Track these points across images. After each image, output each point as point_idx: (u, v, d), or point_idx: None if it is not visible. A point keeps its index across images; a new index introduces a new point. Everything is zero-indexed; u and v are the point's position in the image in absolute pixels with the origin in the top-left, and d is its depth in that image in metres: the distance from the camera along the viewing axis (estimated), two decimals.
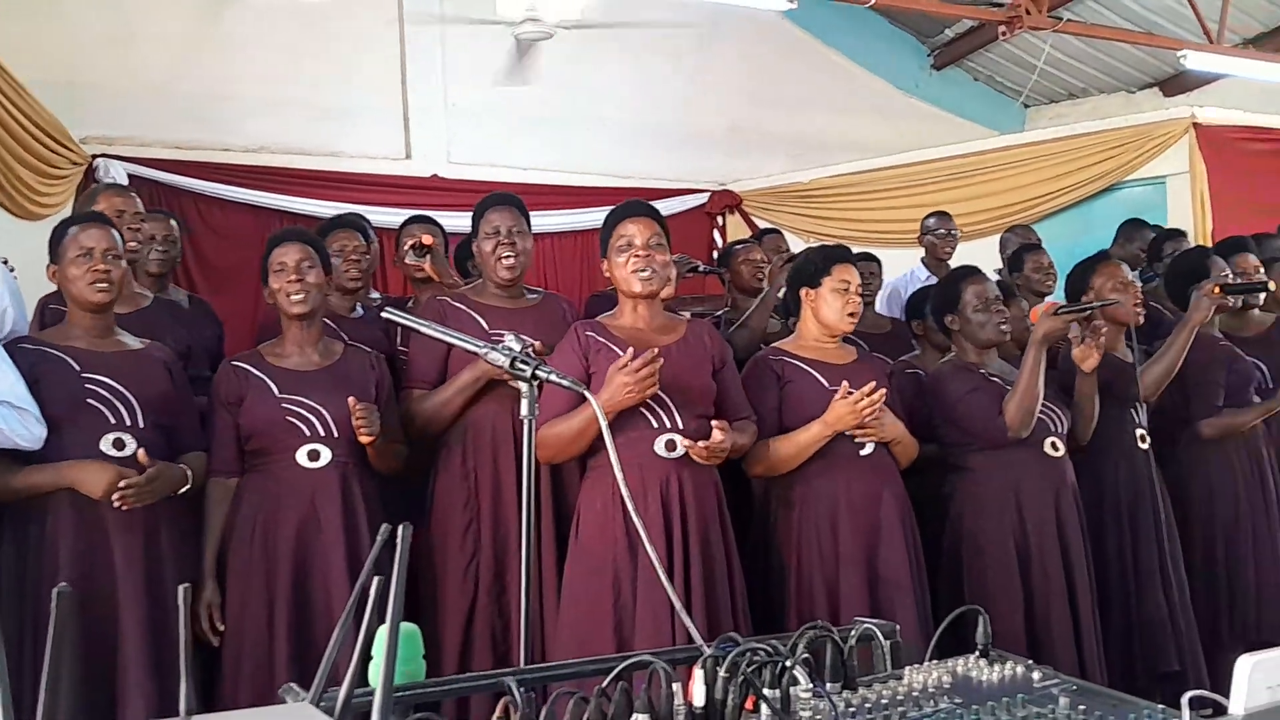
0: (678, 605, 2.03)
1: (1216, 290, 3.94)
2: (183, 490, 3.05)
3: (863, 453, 3.33)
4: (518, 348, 2.01)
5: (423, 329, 2.14)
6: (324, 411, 3.16)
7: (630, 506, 2.08)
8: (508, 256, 3.41)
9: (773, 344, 3.58)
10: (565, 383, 2.05)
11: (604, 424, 2.07)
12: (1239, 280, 4.16)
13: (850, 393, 3.18)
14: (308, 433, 3.15)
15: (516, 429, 3.30)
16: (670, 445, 3.04)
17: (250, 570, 3.10)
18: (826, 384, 3.33)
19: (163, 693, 2.84)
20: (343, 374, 3.26)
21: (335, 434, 3.15)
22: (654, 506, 2.99)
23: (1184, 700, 1.48)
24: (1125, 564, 3.83)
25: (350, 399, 3.07)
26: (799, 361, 3.40)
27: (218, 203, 6.60)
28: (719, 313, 4.72)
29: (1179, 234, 5.38)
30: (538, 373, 2.01)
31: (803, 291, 3.45)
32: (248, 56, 6.84)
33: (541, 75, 7.67)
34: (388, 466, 3.29)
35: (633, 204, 3.20)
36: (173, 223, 4.19)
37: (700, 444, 2.99)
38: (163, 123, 6.52)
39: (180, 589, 1.13)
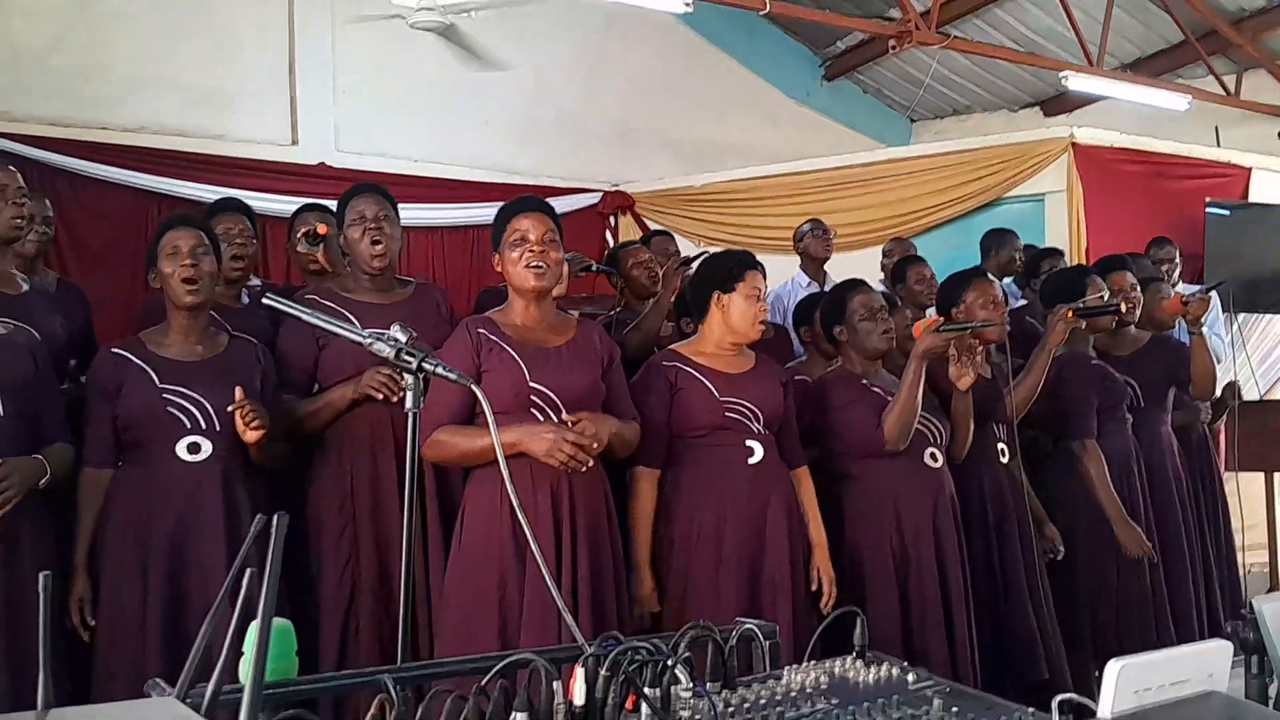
0: (560, 604, 2.02)
1: (1069, 314, 4.07)
2: (42, 482, 2.90)
3: (751, 461, 3.35)
4: (404, 338, 1.97)
5: (305, 318, 2.08)
6: (206, 403, 3.06)
7: (518, 508, 2.06)
8: (377, 243, 3.36)
9: (669, 347, 3.57)
10: (453, 376, 2.02)
11: (500, 454, 2.06)
12: (1097, 303, 4.25)
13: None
14: (188, 424, 3.05)
15: (396, 427, 3.25)
16: None
17: (124, 564, 3.01)
18: (717, 394, 3.35)
19: (22, 687, 2.73)
20: (227, 366, 3.16)
21: (217, 427, 3.06)
22: (543, 507, 2.95)
23: (1054, 704, 1.52)
24: (994, 574, 3.93)
25: (237, 390, 2.98)
26: (693, 369, 3.39)
27: (94, 183, 6.35)
28: (610, 313, 4.71)
29: (1056, 252, 5.55)
30: (424, 365, 1.97)
31: (714, 295, 3.44)
32: (129, 32, 6.62)
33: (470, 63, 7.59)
34: (270, 463, 3.21)
35: (527, 199, 3.17)
36: (47, 202, 4.03)
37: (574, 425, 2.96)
38: (36, 98, 6.28)
39: (40, 576, 1.08)
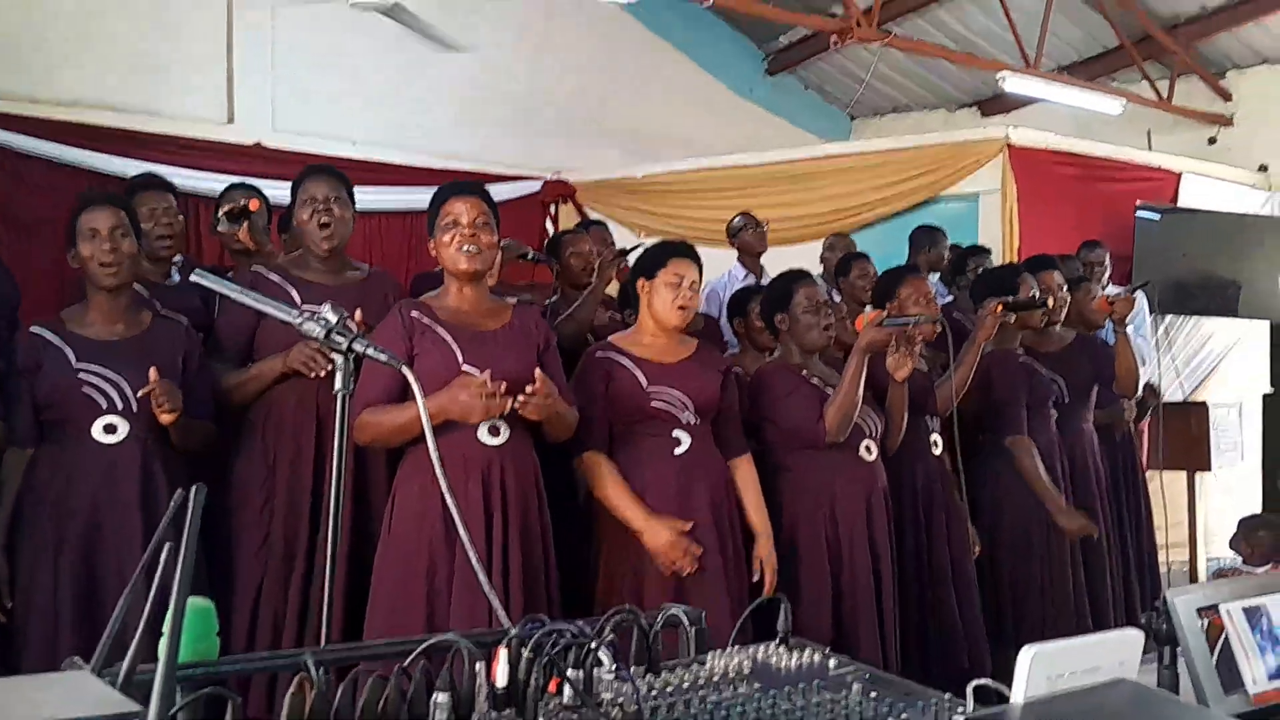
0: (487, 588, 2.01)
1: (998, 309, 4.13)
2: None
3: (677, 451, 3.37)
4: (334, 319, 1.96)
5: (233, 295, 2.06)
6: (122, 383, 3.02)
7: (448, 495, 2.05)
8: (326, 225, 3.33)
9: (607, 339, 3.59)
10: (383, 358, 2.00)
11: (428, 426, 2.04)
12: (1024, 300, 4.33)
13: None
14: (104, 405, 3.01)
15: (321, 408, 3.23)
16: (493, 431, 3.01)
17: (39, 545, 2.98)
18: (645, 383, 3.37)
19: None
20: (148, 345, 3.11)
21: (134, 408, 3.02)
22: (474, 493, 2.96)
23: (969, 689, 1.55)
24: (921, 565, 3.99)
25: (152, 372, 2.93)
26: (625, 359, 3.41)
27: (22, 157, 6.20)
28: (547, 302, 4.70)
29: (982, 250, 5.63)
30: (354, 346, 1.96)
31: (639, 283, 3.48)
32: (61, 2, 6.47)
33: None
34: (190, 445, 3.16)
35: (460, 183, 3.17)
36: None
37: (525, 398, 2.93)
38: None
39: None
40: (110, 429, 3.01)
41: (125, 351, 3.07)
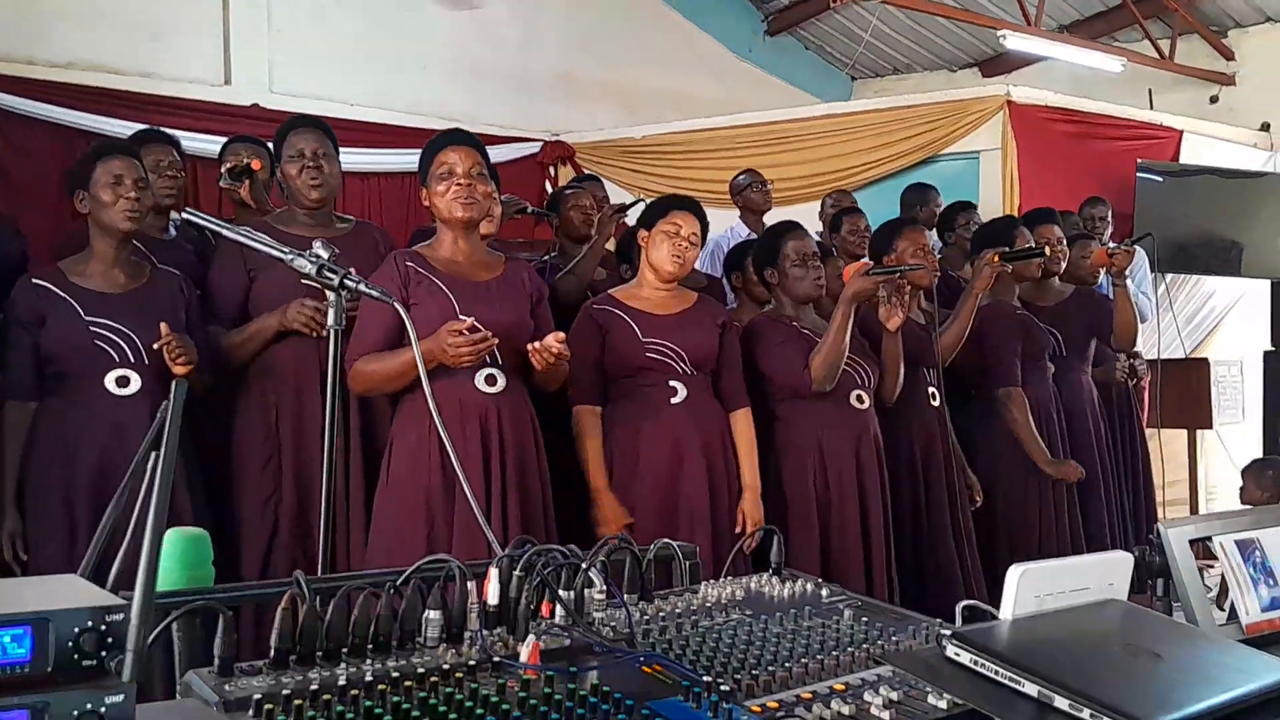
0: (487, 530, 2.02)
1: (995, 259, 4.12)
2: None
3: (674, 400, 3.39)
4: (325, 255, 1.96)
5: (225, 232, 2.06)
6: (134, 336, 3.03)
7: (448, 442, 2.06)
8: (314, 179, 3.33)
9: (606, 292, 3.61)
10: (375, 292, 2.01)
11: (422, 369, 2.04)
12: (1021, 249, 4.32)
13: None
14: (116, 358, 3.02)
15: (322, 360, 3.22)
16: (490, 380, 3.03)
17: (50, 498, 2.98)
18: (640, 335, 3.40)
19: None
20: (151, 297, 3.12)
21: (145, 360, 3.03)
22: (472, 441, 2.97)
23: (958, 608, 1.56)
24: (919, 514, 4.00)
25: (163, 326, 2.94)
26: (621, 311, 3.44)
27: (18, 118, 6.16)
28: (545, 257, 4.70)
29: (970, 206, 5.61)
30: (346, 281, 1.96)
31: (640, 234, 3.52)
32: None
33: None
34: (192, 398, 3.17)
35: (454, 132, 3.16)
36: None
37: (540, 345, 2.93)
38: None
39: None
40: (123, 381, 3.02)
41: (131, 304, 3.08)
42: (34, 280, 3.07)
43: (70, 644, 0.87)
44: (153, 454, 1.03)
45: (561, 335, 2.95)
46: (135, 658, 0.87)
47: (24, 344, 3.04)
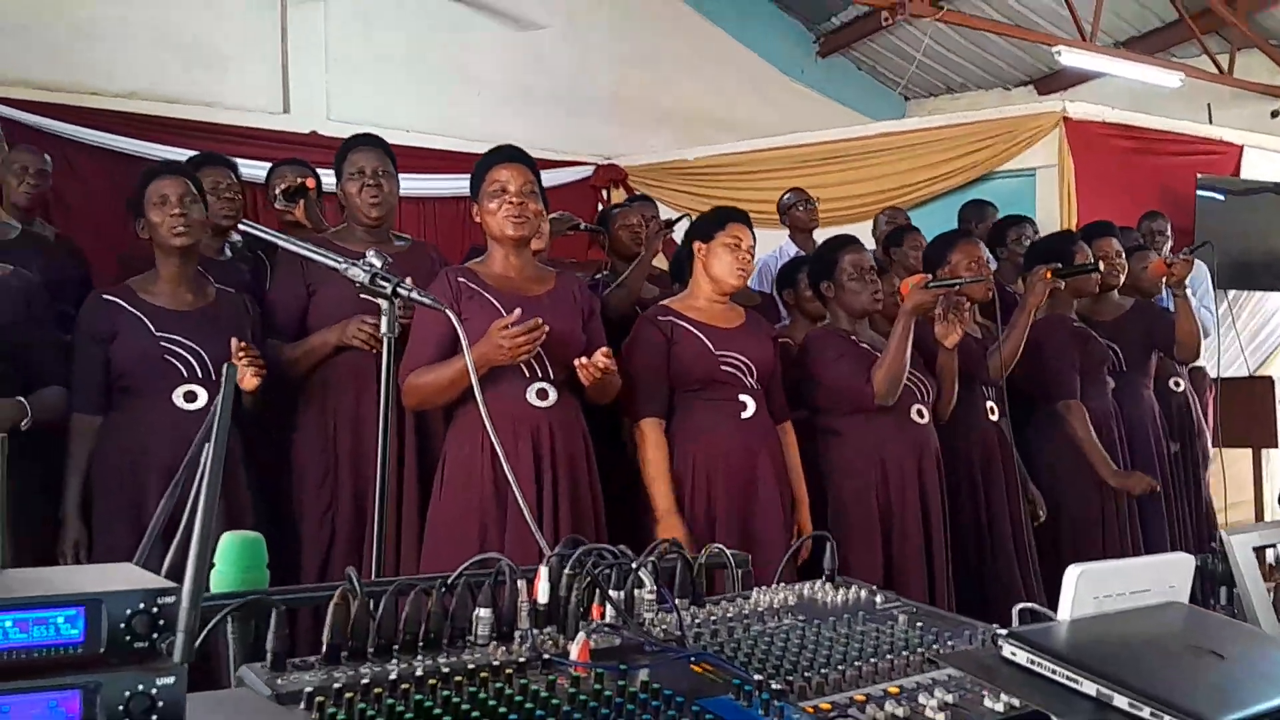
0: (541, 542, 2.01)
1: (1049, 274, 4.07)
2: (23, 424, 2.91)
3: (744, 415, 3.36)
4: (379, 264, 1.98)
5: (280, 242, 2.09)
6: (202, 352, 3.08)
7: (501, 454, 2.07)
8: (374, 199, 3.36)
9: (661, 303, 3.58)
10: (427, 300, 2.02)
11: (474, 375, 2.05)
12: (1075, 265, 4.27)
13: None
14: (185, 374, 3.07)
15: (379, 373, 3.25)
16: (542, 394, 3.03)
17: (117, 509, 3.01)
18: (713, 347, 3.37)
19: None
20: (218, 315, 3.18)
21: (213, 376, 3.07)
22: (524, 454, 2.97)
23: (1014, 611, 1.53)
24: (980, 529, 3.95)
25: (233, 341, 2.97)
26: (686, 323, 3.41)
27: (84, 148, 6.31)
28: (596, 275, 4.72)
29: (1024, 220, 5.56)
30: (399, 290, 1.98)
31: (695, 245, 3.48)
32: None
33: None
34: (255, 413, 3.22)
35: (505, 148, 3.17)
36: (47, 157, 4.06)
37: (588, 361, 2.93)
38: (26, 62, 6.24)
39: None
40: (190, 396, 3.06)
41: (199, 321, 3.13)
42: (104, 296, 3.13)
43: (122, 626, 0.88)
44: (205, 445, 1.04)
45: (608, 350, 2.95)
46: (186, 639, 0.87)
47: (94, 358, 3.08)
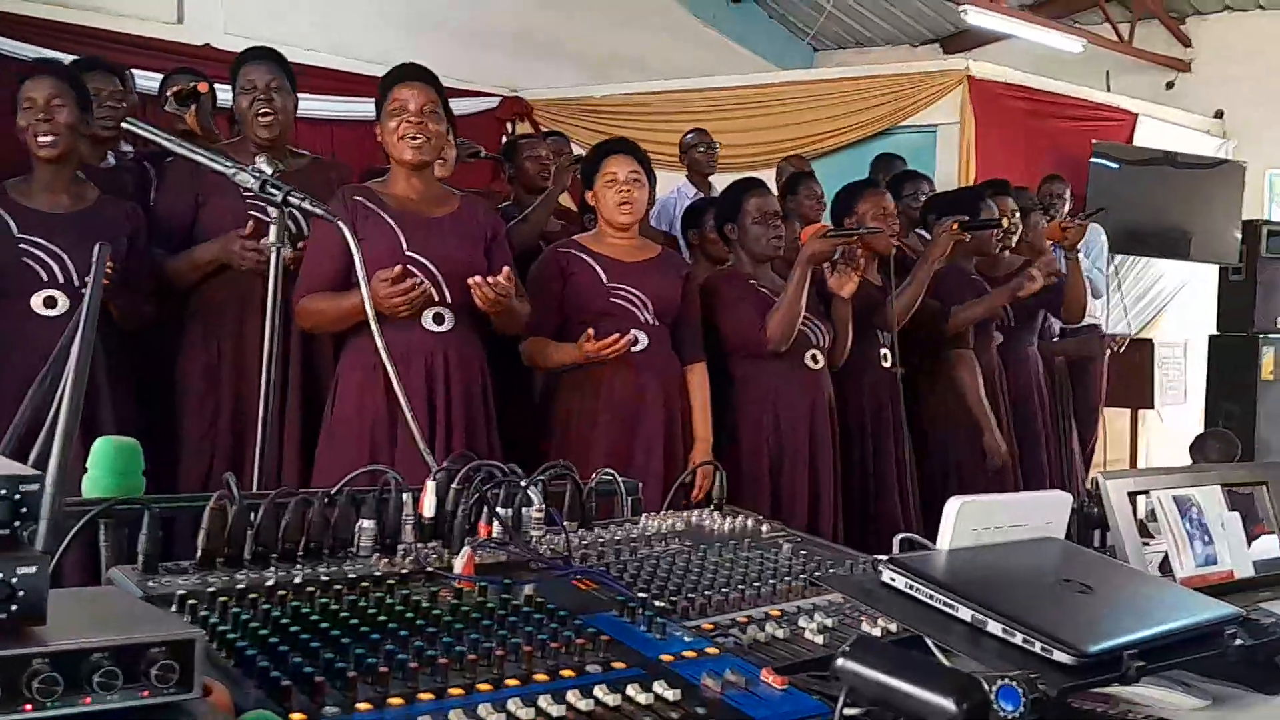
0: (426, 456, 1.97)
1: (954, 227, 4.13)
2: None
3: (634, 349, 3.35)
4: (269, 170, 1.91)
5: (166, 143, 2.00)
6: (65, 257, 2.96)
7: (394, 376, 2.02)
8: (265, 114, 3.27)
9: (570, 237, 3.58)
10: (319, 210, 1.96)
11: (370, 308, 2.01)
12: (981, 219, 4.35)
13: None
14: (45, 278, 2.95)
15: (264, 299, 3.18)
16: (438, 319, 2.98)
17: None
18: (605, 280, 3.36)
19: None
20: (92, 222, 3.05)
21: (75, 283, 2.95)
22: (416, 380, 2.91)
23: (895, 540, 1.56)
24: (866, 472, 4.02)
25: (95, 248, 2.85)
26: (586, 255, 3.40)
27: None
28: (500, 206, 4.65)
29: (918, 176, 5.62)
30: (290, 198, 1.92)
31: (588, 195, 3.50)
32: None
33: None
34: (130, 326, 3.11)
35: (408, 66, 3.08)
36: None
37: (481, 281, 2.88)
38: None
39: None
40: (50, 302, 2.95)
41: (69, 226, 3.01)
42: None
43: None
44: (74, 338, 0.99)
45: (509, 272, 2.91)
46: (49, 527, 0.84)
47: None
